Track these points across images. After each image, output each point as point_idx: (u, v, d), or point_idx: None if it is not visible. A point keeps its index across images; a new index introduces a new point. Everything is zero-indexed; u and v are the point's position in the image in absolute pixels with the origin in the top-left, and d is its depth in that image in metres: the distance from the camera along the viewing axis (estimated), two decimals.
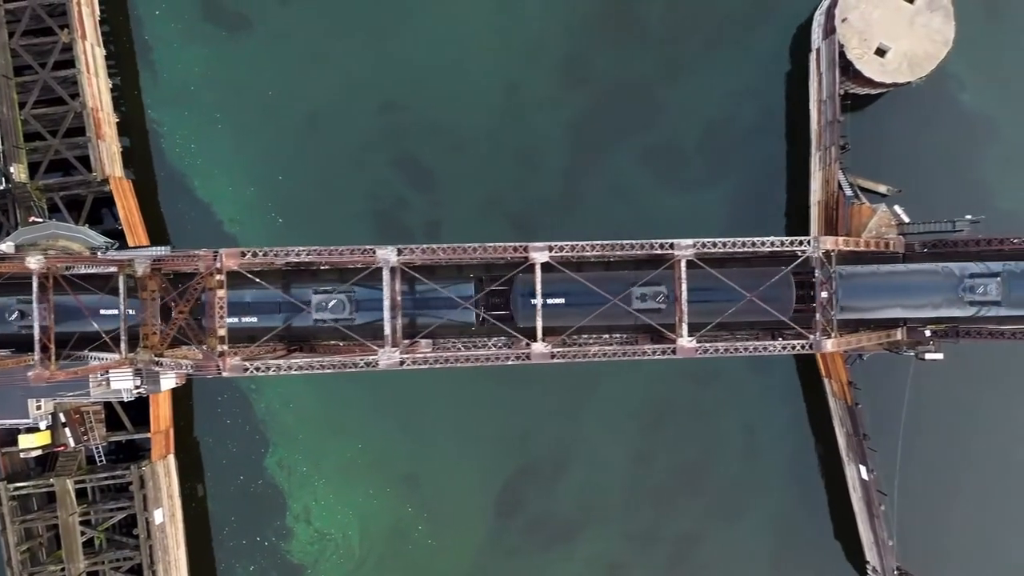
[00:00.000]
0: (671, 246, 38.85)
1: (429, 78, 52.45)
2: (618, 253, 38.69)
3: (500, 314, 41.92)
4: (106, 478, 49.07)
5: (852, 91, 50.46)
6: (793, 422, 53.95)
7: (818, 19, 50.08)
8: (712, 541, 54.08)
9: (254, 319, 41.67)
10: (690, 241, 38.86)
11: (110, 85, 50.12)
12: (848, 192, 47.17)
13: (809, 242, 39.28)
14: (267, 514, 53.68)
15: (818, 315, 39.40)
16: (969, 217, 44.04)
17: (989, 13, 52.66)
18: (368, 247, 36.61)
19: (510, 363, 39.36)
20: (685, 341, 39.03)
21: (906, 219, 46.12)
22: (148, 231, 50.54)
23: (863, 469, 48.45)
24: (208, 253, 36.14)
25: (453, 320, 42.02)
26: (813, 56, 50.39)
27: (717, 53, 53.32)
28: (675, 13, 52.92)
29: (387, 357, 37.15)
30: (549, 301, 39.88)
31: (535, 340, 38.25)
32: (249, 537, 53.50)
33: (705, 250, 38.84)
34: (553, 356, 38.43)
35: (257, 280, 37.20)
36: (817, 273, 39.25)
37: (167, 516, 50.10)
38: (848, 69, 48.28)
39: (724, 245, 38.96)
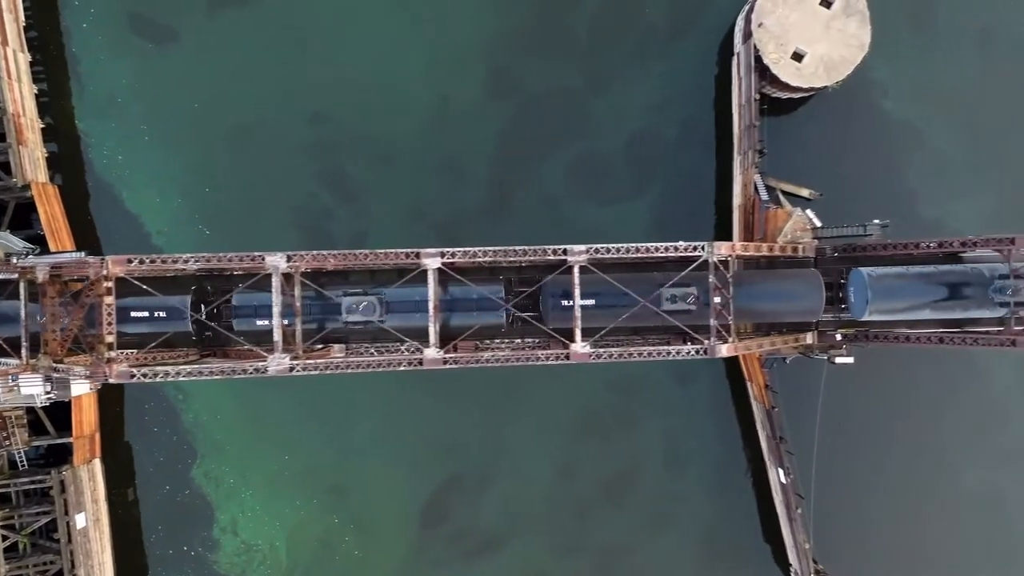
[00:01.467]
0: (564, 252, 38.71)
1: (357, 90, 52.83)
2: (510, 259, 38.53)
3: (529, 315, 42.03)
4: (28, 482, 49.05)
5: (775, 95, 50.42)
6: (722, 428, 53.63)
7: (739, 24, 50.36)
8: (639, 551, 53.70)
9: (283, 321, 41.15)
10: (583, 247, 38.86)
11: (35, 91, 50.36)
12: (764, 196, 47.19)
13: (704, 247, 38.95)
14: (194, 524, 53.62)
15: (712, 320, 39.12)
16: (877, 221, 44.08)
17: (913, 22, 52.52)
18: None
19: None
20: (578, 347, 38.85)
21: (818, 223, 46.14)
22: (79, 238, 50.74)
23: (781, 472, 48.17)
24: (96, 260, 36.31)
25: (488, 322, 42.25)
26: (735, 60, 50.54)
27: (645, 62, 53.36)
28: (602, 24, 52.76)
29: (276, 363, 37.10)
30: (580, 302, 39.91)
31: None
32: (176, 547, 53.46)
33: (599, 256, 38.73)
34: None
35: (145, 287, 37.25)
36: (711, 278, 39.03)
37: (91, 521, 50.12)
38: (766, 73, 48.27)
39: (618, 251, 38.76)
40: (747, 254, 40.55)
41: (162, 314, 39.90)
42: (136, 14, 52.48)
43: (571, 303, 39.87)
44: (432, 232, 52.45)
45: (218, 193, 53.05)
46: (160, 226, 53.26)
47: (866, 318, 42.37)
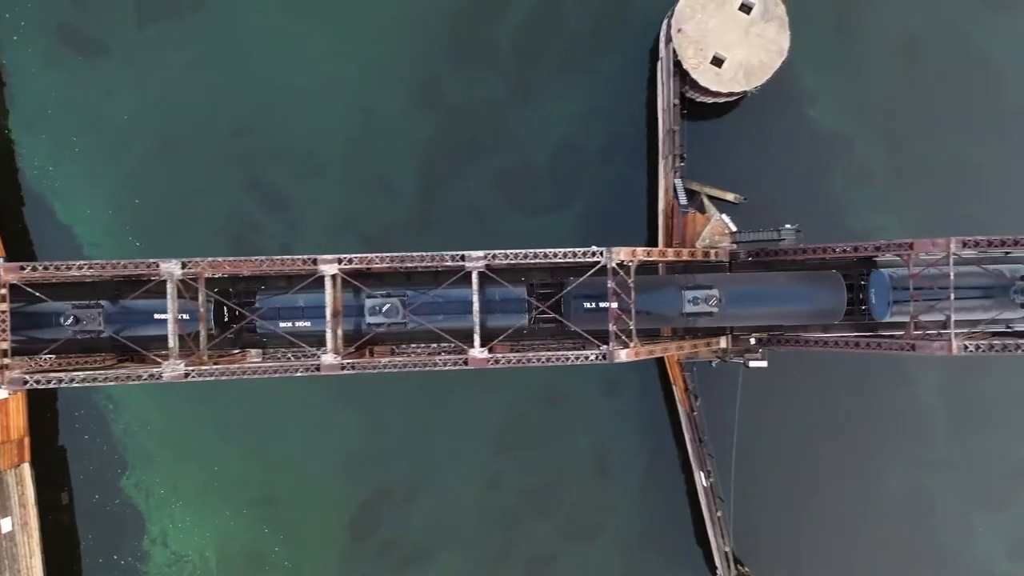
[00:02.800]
0: (462, 258, 38.76)
1: (284, 101, 53.11)
2: (407, 265, 38.60)
3: (550, 317, 42.29)
4: None
5: (700, 100, 50.54)
6: (653, 434, 53.41)
7: (664, 29, 50.48)
8: (567, 560, 53.34)
9: (307, 323, 42.01)
10: (481, 253, 38.92)
11: None
12: (683, 201, 47.22)
13: (603, 253, 38.96)
14: (124, 534, 53.62)
15: (611, 325, 39.05)
16: (789, 226, 44.05)
17: (839, 32, 52.68)
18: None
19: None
20: (476, 352, 38.81)
21: (733, 227, 46.13)
22: (16, 249, 50.98)
23: (703, 475, 48.50)
24: None
25: (511, 323, 42.17)
26: (660, 65, 50.66)
27: (573, 72, 53.48)
28: (527, 35, 52.95)
29: (171, 369, 37.18)
30: (602, 304, 40.11)
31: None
32: (106, 555, 53.46)
33: (496, 261, 38.72)
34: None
35: (38, 294, 37.42)
36: (609, 283, 38.99)
37: (18, 525, 50.12)
38: (686, 78, 48.49)
39: (515, 256, 38.79)
40: (650, 259, 40.44)
41: (185, 316, 39.93)
42: (67, 27, 52.85)
43: (595, 306, 39.97)
44: (359, 242, 52.63)
45: (148, 204, 53.22)
46: (93, 238, 53.50)
47: (888, 320, 41.69)
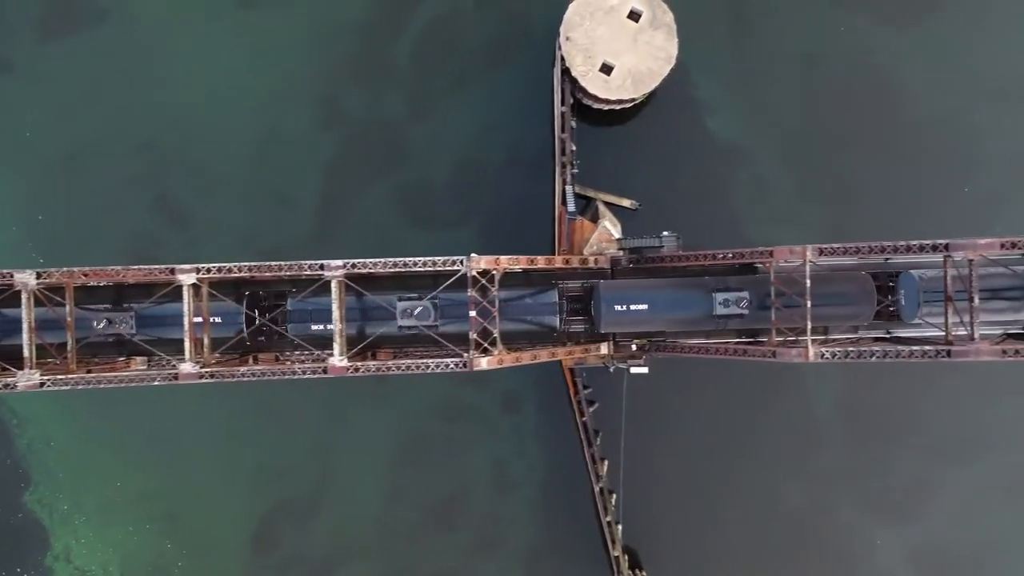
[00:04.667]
0: (321, 267, 38.76)
1: (187, 120, 53.49)
2: (265, 274, 38.61)
3: (580, 319, 42.94)
4: None
5: (596, 107, 50.81)
6: (556, 442, 53.10)
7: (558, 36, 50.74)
8: (470, 573, 52.89)
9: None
10: (340, 262, 38.86)
11: None
12: (571, 207, 47.24)
13: (462, 262, 38.93)
14: (27, 550, 53.52)
15: (472, 333, 38.94)
16: (666, 233, 44.12)
17: (737, 44, 52.85)
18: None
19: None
20: (336, 360, 38.73)
21: (616, 234, 46.08)
22: None
23: (595, 480, 48.76)
24: None
25: (543, 325, 42.98)
26: (555, 72, 50.84)
27: (476, 84, 53.82)
28: (427, 50, 53.23)
29: (26, 379, 37.22)
30: (632, 307, 40.18)
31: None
32: (9, 571, 53.34)
33: (355, 270, 38.70)
34: None
35: None
36: (470, 292, 38.90)
37: None
38: (576, 85, 48.72)
39: (375, 265, 38.77)
40: (516, 268, 40.27)
41: (217, 319, 40.12)
42: None
43: (625, 308, 39.99)
44: (260, 259, 52.36)
45: (52, 221, 53.40)
46: None
47: (917, 321, 40.98)
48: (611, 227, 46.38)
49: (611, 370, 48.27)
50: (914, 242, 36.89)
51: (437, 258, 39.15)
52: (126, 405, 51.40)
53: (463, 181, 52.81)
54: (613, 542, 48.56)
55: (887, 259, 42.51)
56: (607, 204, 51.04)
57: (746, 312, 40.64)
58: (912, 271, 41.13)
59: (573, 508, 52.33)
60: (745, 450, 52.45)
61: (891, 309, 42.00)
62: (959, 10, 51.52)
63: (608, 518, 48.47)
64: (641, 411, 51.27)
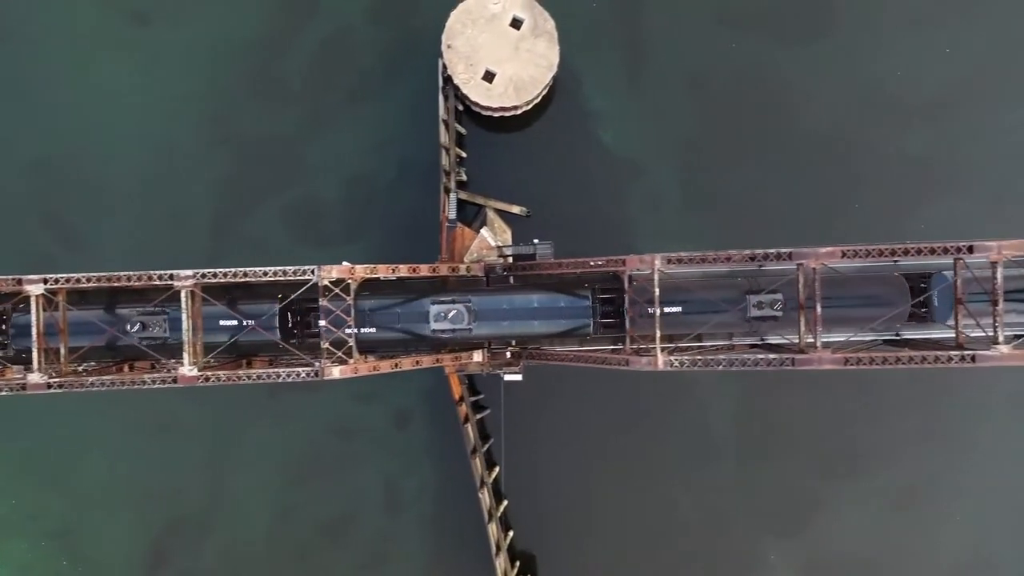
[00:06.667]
0: (171, 277, 38.60)
1: (78, 138, 53.32)
2: (114, 284, 38.49)
3: (611, 322, 42.43)
4: None
5: (486, 113, 50.95)
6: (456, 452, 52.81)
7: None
8: None
9: (372, 329, 42.20)
10: (191, 272, 38.68)
11: None
12: (451, 215, 47.13)
13: (313, 271, 38.72)
14: None
15: (323, 343, 38.68)
16: (536, 241, 44.10)
17: (630, 60, 52.77)
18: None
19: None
20: (186, 369, 38.48)
21: (492, 243, 45.93)
22: None
23: (477, 485, 48.72)
24: None
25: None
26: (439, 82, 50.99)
27: (369, 99, 53.73)
28: (318, 68, 53.25)
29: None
30: (666, 309, 39.65)
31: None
32: None
33: (206, 280, 38.51)
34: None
35: None
36: (321, 301, 38.68)
37: None
38: (459, 93, 49.00)
39: (226, 275, 38.59)
40: (372, 276, 39.97)
41: (250, 323, 40.14)
42: None
43: (655, 311, 38.84)
44: None
45: None
46: None
47: (950, 322, 39.80)
48: (488, 235, 46.16)
49: (484, 374, 48.01)
50: (770, 250, 36.73)
51: (288, 267, 38.73)
52: (15, 420, 51.10)
53: (357, 196, 52.57)
54: (498, 549, 47.79)
55: (760, 266, 41.79)
56: (497, 211, 50.64)
57: (780, 314, 39.69)
58: (944, 272, 40.49)
59: (464, 521, 51.39)
60: (642, 460, 51.79)
61: (923, 310, 41.24)
62: (847, 27, 51.22)
63: (492, 524, 47.67)
64: (539, 418, 51.74)
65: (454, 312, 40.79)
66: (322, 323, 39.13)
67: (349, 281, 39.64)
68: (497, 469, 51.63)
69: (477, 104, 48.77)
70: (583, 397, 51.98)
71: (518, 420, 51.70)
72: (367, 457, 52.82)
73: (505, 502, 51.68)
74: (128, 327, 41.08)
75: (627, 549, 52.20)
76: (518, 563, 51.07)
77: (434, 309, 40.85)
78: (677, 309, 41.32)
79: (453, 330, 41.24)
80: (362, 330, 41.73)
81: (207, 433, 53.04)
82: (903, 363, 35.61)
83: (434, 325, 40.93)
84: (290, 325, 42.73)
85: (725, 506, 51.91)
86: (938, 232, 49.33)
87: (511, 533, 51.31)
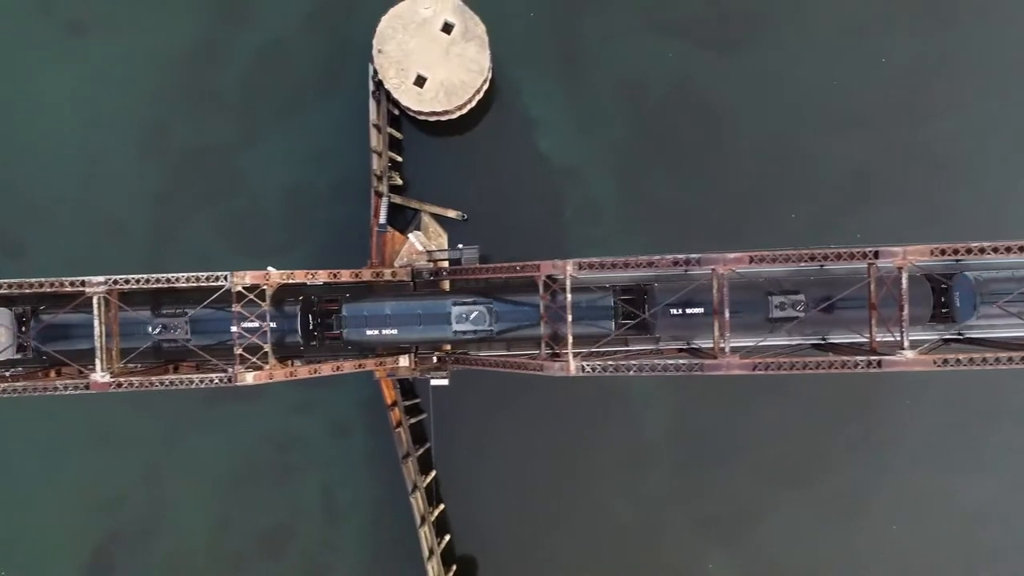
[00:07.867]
0: (83, 283, 38.54)
1: (11, 147, 53.10)
2: (26, 291, 38.49)
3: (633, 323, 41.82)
4: None
5: (421, 118, 50.92)
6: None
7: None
8: None
9: (395, 331, 42.27)
10: (102, 278, 38.68)
11: None
12: (382, 220, 47.05)
13: (227, 277, 38.63)
14: None
15: (237, 350, 38.54)
16: (461, 246, 44.25)
17: (567, 68, 52.71)
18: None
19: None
20: (98, 376, 38.39)
21: (419, 247, 45.90)
22: None
23: (409, 488, 48.77)
24: None
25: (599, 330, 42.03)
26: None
27: (305, 108, 53.50)
28: (254, 78, 53.16)
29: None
30: (688, 311, 39.83)
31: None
32: None
33: (118, 286, 38.43)
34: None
35: None
36: (235, 307, 38.54)
37: None
38: (390, 97, 48.92)
39: (139, 281, 38.52)
40: (289, 282, 39.87)
41: (273, 324, 39.86)
42: None
43: (682, 312, 39.67)
44: None
45: None
46: None
47: (973, 322, 40.22)
48: (416, 239, 45.98)
49: (435, 384, 47.86)
50: (680, 256, 37.20)
51: (200, 273, 38.64)
52: None
53: (294, 205, 52.38)
54: (430, 553, 47.56)
55: (686, 271, 41.63)
56: (433, 215, 50.54)
57: (802, 315, 39.38)
58: (968, 272, 40.32)
59: (401, 526, 51.16)
60: (581, 467, 51.52)
61: (944, 311, 41.06)
62: (781, 37, 51.25)
63: (424, 528, 47.43)
64: (481, 423, 52.23)
65: (476, 313, 40.87)
66: (234, 329, 38.93)
67: (265, 287, 39.34)
68: (433, 473, 51.00)
69: (409, 109, 48.47)
70: (525, 402, 51.48)
71: (457, 425, 51.28)
72: (306, 466, 52.42)
73: (441, 506, 50.99)
74: (149, 329, 41.30)
75: (569, 552, 52.01)
76: (454, 567, 50.48)
77: (456, 311, 40.87)
78: (699, 311, 40.88)
79: (475, 331, 41.26)
80: (384, 331, 42.12)
81: (146, 442, 52.52)
82: (811, 368, 35.29)
83: (456, 326, 41.03)
84: (311, 327, 42.78)
85: (665, 513, 51.43)
86: (880, 238, 48.97)
87: (447, 537, 50.95)
